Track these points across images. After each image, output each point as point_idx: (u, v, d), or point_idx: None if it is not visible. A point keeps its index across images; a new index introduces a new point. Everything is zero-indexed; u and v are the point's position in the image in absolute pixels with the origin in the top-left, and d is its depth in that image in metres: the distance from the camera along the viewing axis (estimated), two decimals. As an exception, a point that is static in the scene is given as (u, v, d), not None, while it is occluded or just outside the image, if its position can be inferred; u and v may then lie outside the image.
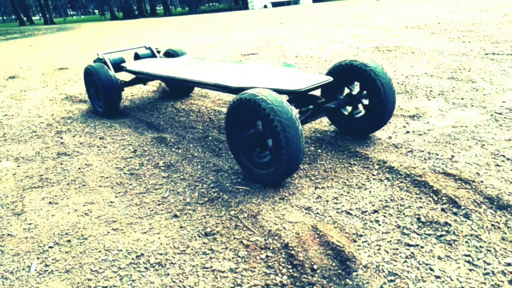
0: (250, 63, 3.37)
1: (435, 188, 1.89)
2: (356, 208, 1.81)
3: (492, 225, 1.60)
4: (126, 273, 1.52)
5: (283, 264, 1.50)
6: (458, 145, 2.32)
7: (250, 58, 5.66)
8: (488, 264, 1.40)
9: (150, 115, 3.50)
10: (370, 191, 1.94)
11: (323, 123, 2.89)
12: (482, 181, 1.91)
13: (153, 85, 4.62)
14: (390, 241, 1.57)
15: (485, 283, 1.32)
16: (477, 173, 1.99)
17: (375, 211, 1.77)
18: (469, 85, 3.44)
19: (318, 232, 1.65)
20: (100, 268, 1.56)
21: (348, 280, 1.40)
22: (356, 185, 2.02)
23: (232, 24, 10.61)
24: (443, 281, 1.35)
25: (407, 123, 2.75)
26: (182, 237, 1.72)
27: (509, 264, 1.39)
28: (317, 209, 1.83)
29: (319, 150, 2.45)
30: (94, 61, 3.58)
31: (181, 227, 1.80)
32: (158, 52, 3.83)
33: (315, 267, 1.46)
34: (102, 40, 9.41)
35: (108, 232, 1.80)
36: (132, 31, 10.92)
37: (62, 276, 1.53)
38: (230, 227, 1.76)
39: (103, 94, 3.29)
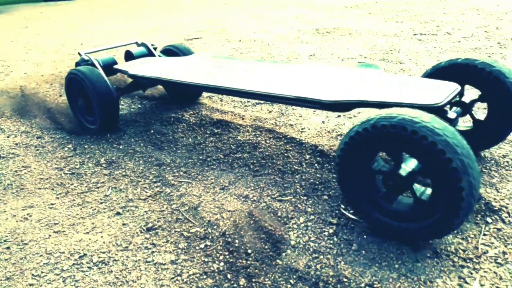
0: (306, 63, 2.74)
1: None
2: (289, 193, 1.97)
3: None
4: (69, 274, 1.57)
5: (220, 252, 1.62)
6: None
7: (194, 43, 5.61)
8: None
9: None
10: (301, 176, 2.10)
11: (263, 111, 3.01)
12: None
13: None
14: (317, 221, 1.75)
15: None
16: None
17: (305, 195, 1.94)
18: (398, 66, 3.71)
19: (253, 219, 1.79)
20: (42, 272, 1.60)
21: (278, 261, 1.56)
22: (290, 170, 2.18)
23: (176, 5, 10.32)
24: (358, 254, 1.55)
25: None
26: (125, 234, 1.79)
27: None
28: (253, 196, 1.97)
29: (258, 138, 2.58)
30: (78, 63, 2.91)
31: (124, 224, 1.86)
32: (155, 49, 3.22)
33: (249, 251, 1.60)
34: (37, 25, 8.79)
35: (50, 235, 1.82)
36: (67, 16, 10.30)
37: (3, 284, 1.55)
38: (171, 220, 1.85)
39: (98, 106, 2.61)
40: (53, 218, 1.96)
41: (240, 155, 2.38)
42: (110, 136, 2.80)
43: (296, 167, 2.19)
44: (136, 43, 3.33)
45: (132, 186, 2.17)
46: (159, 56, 3.20)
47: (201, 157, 2.40)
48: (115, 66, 2.87)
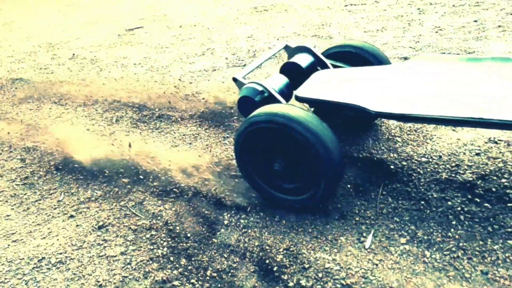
0: None
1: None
2: (225, 175, 2.22)
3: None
4: (30, 277, 1.78)
5: (164, 239, 1.87)
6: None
7: (135, 33, 5.61)
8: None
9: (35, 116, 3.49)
10: (236, 161, 2.36)
11: (209, 102, 3.21)
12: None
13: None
14: (247, 201, 2.02)
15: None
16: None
17: (237, 176, 2.20)
18: (327, 41, 3.97)
19: (192, 205, 2.04)
20: (5, 279, 1.79)
21: (214, 239, 1.83)
22: (226, 156, 2.42)
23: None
24: (280, 224, 1.84)
25: (272, 89, 3.19)
26: (79, 234, 1.99)
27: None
28: (195, 183, 2.21)
29: (199, 129, 2.79)
30: (249, 98, 1.94)
31: (77, 225, 2.06)
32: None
33: (188, 235, 1.86)
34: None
35: (9, 245, 2.00)
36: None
37: (-30, 295, 1.74)
38: (120, 217, 2.07)
39: (327, 171, 1.66)
40: (10, 228, 2.12)
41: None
42: (57, 142, 2.92)
43: (232, 154, 2.44)
44: (287, 46, 2.34)
45: (83, 189, 2.35)
46: (333, 65, 2.23)
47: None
48: (300, 94, 1.94)
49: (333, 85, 1.95)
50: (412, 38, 3.63)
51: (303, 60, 2.19)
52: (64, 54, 4.98)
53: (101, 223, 2.04)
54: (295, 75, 2.15)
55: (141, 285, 1.65)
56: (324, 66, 2.22)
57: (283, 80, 2.07)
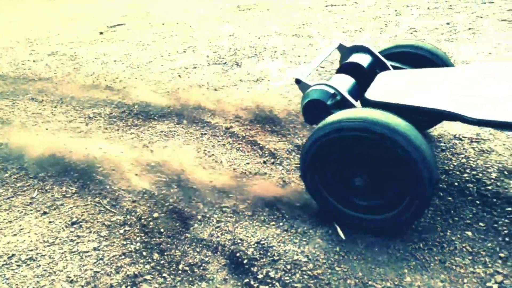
0: None
1: (261, 145, 2.42)
2: (201, 166, 2.25)
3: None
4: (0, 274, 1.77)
5: (137, 234, 1.89)
6: (292, 104, 2.87)
7: (117, 30, 5.57)
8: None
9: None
10: (215, 155, 2.39)
11: (183, 98, 3.22)
12: (296, 133, 2.48)
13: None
14: (216, 196, 2.05)
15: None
16: (294, 127, 2.56)
17: (215, 166, 2.23)
18: (307, 41, 4.03)
19: (165, 200, 2.06)
20: (-25, 276, 1.77)
21: (187, 234, 1.85)
22: (204, 151, 2.45)
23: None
24: (253, 218, 1.88)
25: (251, 87, 3.23)
26: (51, 231, 1.99)
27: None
28: (170, 179, 2.23)
29: (168, 126, 2.80)
30: (313, 99, 1.78)
31: (50, 222, 2.05)
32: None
33: (162, 230, 1.88)
34: None
35: (-21, 243, 1.97)
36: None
37: None
38: (94, 213, 2.07)
39: (423, 191, 1.47)
40: (-19, 226, 2.10)
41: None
42: (33, 139, 2.89)
43: (209, 150, 2.46)
44: (341, 46, 2.20)
45: (57, 185, 2.34)
46: (393, 66, 2.10)
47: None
48: (372, 97, 1.79)
49: (406, 87, 1.79)
50: (388, 39, 3.72)
51: (363, 60, 2.04)
52: (43, 50, 4.91)
53: (74, 219, 2.04)
54: (356, 76, 1.96)
55: (112, 280, 1.66)
56: (383, 66, 2.07)
57: (350, 81, 1.89)
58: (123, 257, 1.77)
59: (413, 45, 2.07)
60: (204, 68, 3.72)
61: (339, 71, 2.04)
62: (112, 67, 4.11)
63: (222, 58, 3.90)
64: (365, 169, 1.58)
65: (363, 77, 1.98)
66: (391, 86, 1.83)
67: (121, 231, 1.92)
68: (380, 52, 2.15)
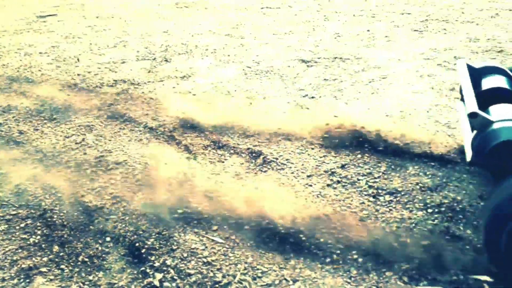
0: None
1: (178, 140, 2.49)
2: (122, 162, 2.26)
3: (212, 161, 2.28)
4: None
5: (39, 228, 1.87)
6: (216, 100, 2.96)
7: (47, 21, 5.32)
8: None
9: None
10: (135, 149, 2.42)
11: (110, 95, 3.18)
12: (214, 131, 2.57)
13: None
14: (129, 189, 2.09)
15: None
16: (213, 125, 2.65)
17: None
18: (239, 41, 4.13)
19: (76, 194, 2.06)
20: None
21: (91, 227, 1.87)
22: (124, 145, 2.46)
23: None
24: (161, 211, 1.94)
25: (177, 83, 3.27)
26: None
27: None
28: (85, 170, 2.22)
29: (96, 120, 2.78)
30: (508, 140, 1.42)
31: None
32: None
33: (65, 223, 1.88)
34: None
35: None
36: None
37: None
38: (-5, 207, 2.01)
39: None
40: None
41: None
42: None
43: (125, 144, 2.48)
44: (469, 66, 1.89)
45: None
46: None
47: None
48: None
49: None
50: (314, 42, 3.93)
51: (503, 84, 1.77)
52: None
53: (-26, 216, 1.97)
54: (496, 103, 1.63)
55: (5, 274, 1.64)
56: None
57: None
58: (20, 250, 1.76)
59: None
60: (132, 63, 3.70)
61: (480, 98, 1.63)
62: (36, 58, 3.94)
63: (153, 54, 3.89)
64: None
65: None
66: None
67: (22, 225, 1.89)
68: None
